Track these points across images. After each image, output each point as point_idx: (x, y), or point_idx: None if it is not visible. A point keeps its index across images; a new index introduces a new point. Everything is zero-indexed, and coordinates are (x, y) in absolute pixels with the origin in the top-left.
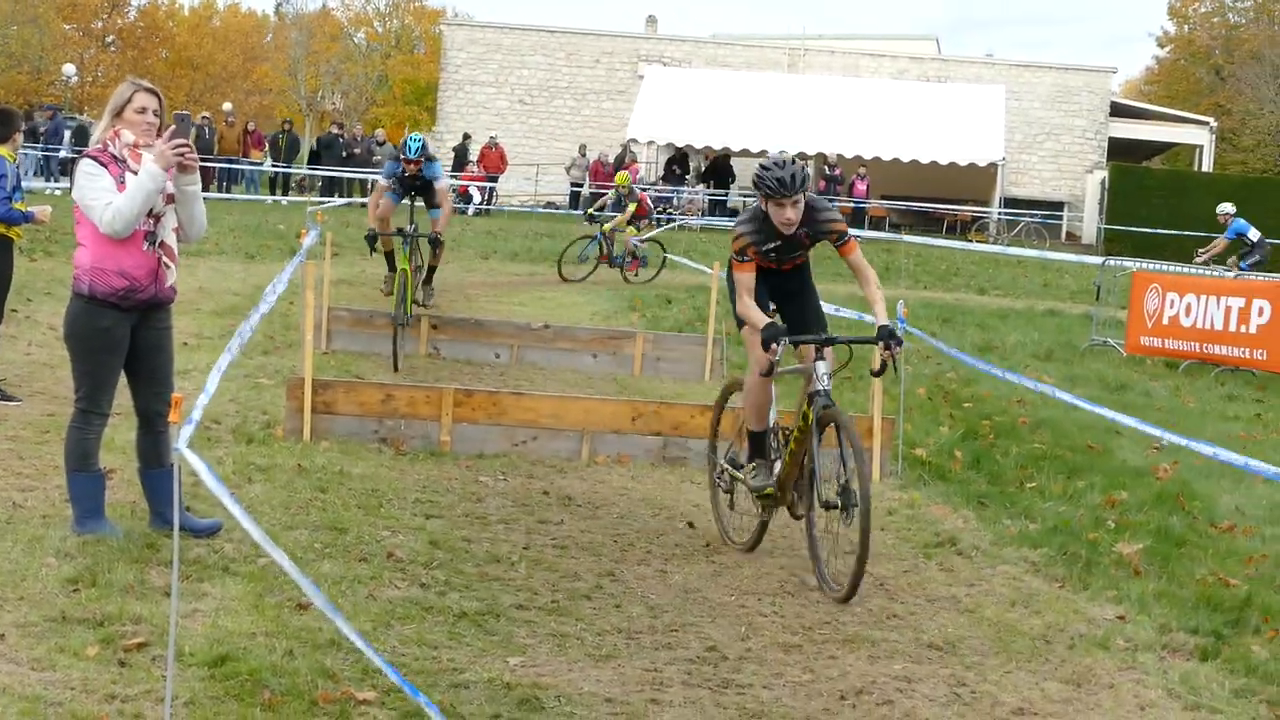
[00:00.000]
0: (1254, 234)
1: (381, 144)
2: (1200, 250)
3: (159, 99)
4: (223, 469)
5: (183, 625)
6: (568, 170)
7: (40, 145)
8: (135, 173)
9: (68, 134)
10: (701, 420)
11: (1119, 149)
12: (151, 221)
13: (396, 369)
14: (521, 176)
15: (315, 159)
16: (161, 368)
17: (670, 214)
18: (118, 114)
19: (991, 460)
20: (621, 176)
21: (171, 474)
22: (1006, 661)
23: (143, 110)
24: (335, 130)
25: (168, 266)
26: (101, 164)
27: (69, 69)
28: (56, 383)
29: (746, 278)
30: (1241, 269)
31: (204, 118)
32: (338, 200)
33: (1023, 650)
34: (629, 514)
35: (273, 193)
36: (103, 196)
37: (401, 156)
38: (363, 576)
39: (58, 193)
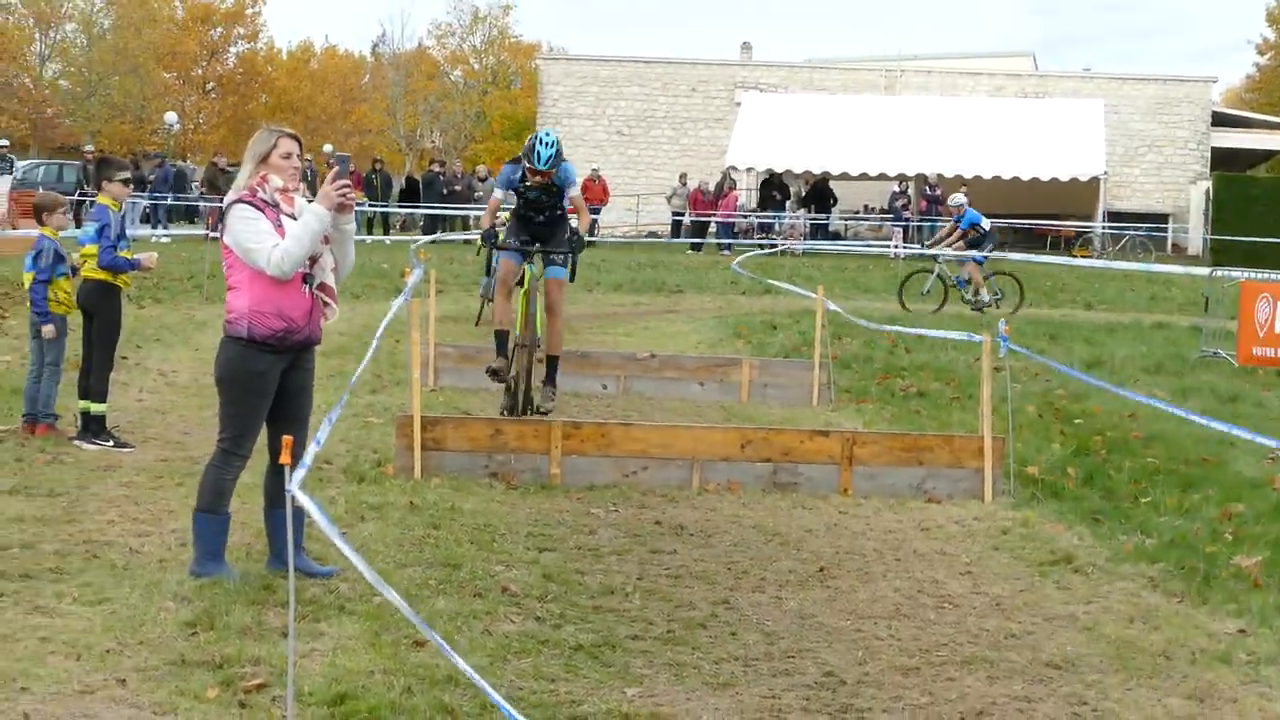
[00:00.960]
0: (986, 224)
1: (484, 179)
2: (930, 240)
3: (300, 144)
4: (335, 509)
5: (301, 665)
6: (669, 200)
7: (147, 194)
8: (291, 216)
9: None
10: (811, 445)
11: (1222, 158)
12: (308, 263)
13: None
14: (623, 208)
15: (407, 196)
16: (303, 408)
17: (773, 240)
18: (263, 160)
19: (1105, 476)
20: None
21: (296, 514)
22: (1127, 679)
23: (288, 155)
24: (435, 168)
25: (327, 305)
26: (257, 208)
27: (170, 117)
28: (168, 428)
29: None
30: (978, 260)
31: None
32: (452, 236)
33: (1143, 667)
34: (741, 541)
35: (371, 232)
36: (266, 239)
37: (527, 165)
38: (477, 612)
39: (164, 240)
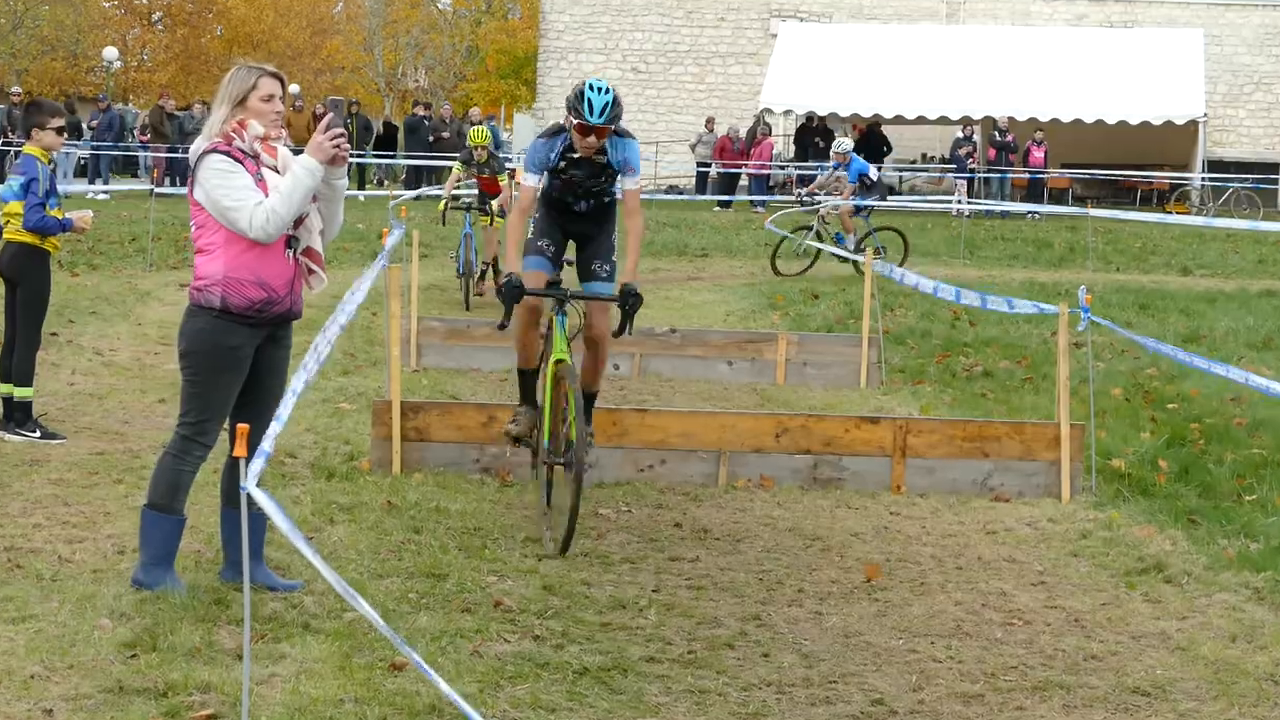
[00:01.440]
0: (874, 173)
1: (476, 124)
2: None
3: (283, 84)
4: (299, 510)
5: (258, 693)
6: (693, 148)
7: (87, 142)
8: (274, 169)
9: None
10: (858, 434)
11: None
12: (292, 224)
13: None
14: (639, 157)
15: (383, 145)
16: (276, 391)
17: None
18: (240, 102)
19: (1203, 470)
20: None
21: (255, 517)
22: (1228, 707)
23: (270, 98)
24: (420, 112)
25: (312, 273)
26: (235, 160)
27: (110, 53)
28: (105, 416)
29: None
30: (863, 215)
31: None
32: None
33: (1247, 693)
34: (775, 547)
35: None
36: (248, 196)
37: (575, 121)
38: (466, 630)
39: (102, 196)
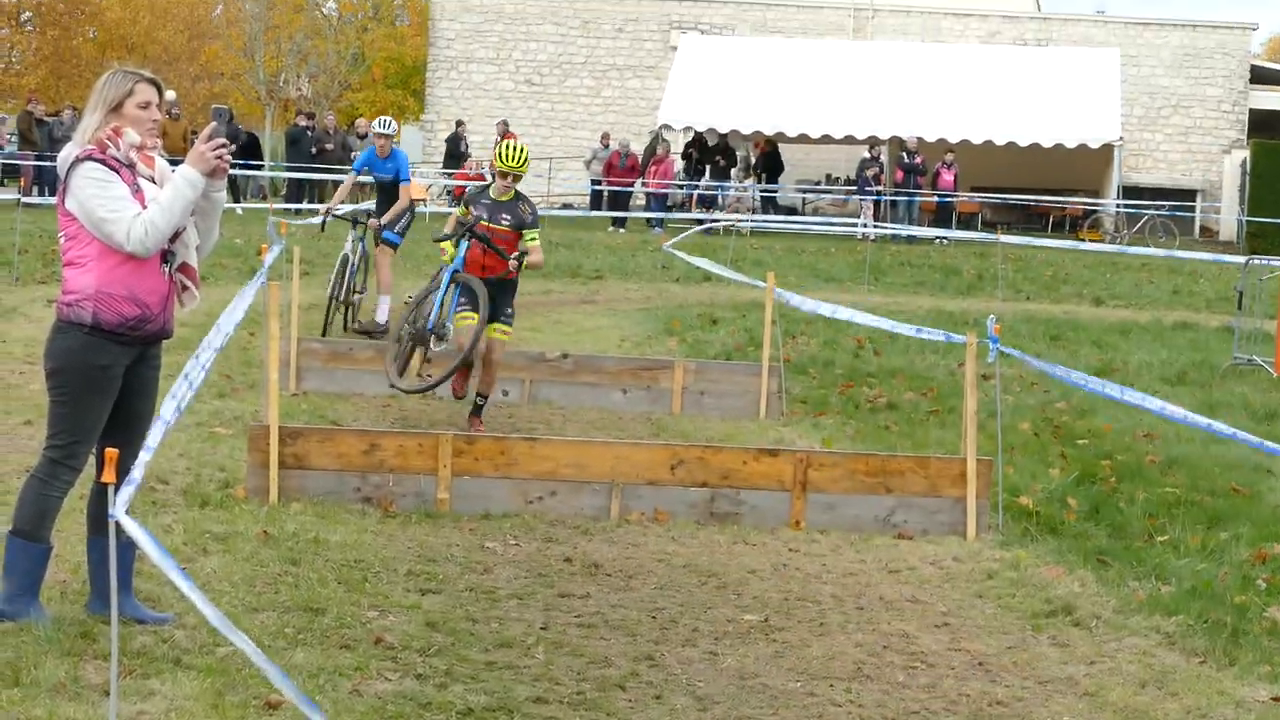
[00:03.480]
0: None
1: (363, 136)
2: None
3: (160, 91)
4: (170, 539)
5: None
6: (588, 165)
7: None
8: (150, 180)
9: None
10: (757, 467)
11: (1262, 123)
12: (170, 238)
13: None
14: (532, 174)
15: (248, 153)
16: (145, 414)
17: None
18: (114, 109)
19: (1114, 509)
20: None
21: (124, 546)
22: None
23: (146, 105)
24: (303, 122)
25: (186, 289)
26: (110, 169)
27: None
28: None
29: None
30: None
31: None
32: (321, 207)
33: None
34: (670, 584)
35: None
36: (125, 207)
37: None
38: (345, 667)
39: None
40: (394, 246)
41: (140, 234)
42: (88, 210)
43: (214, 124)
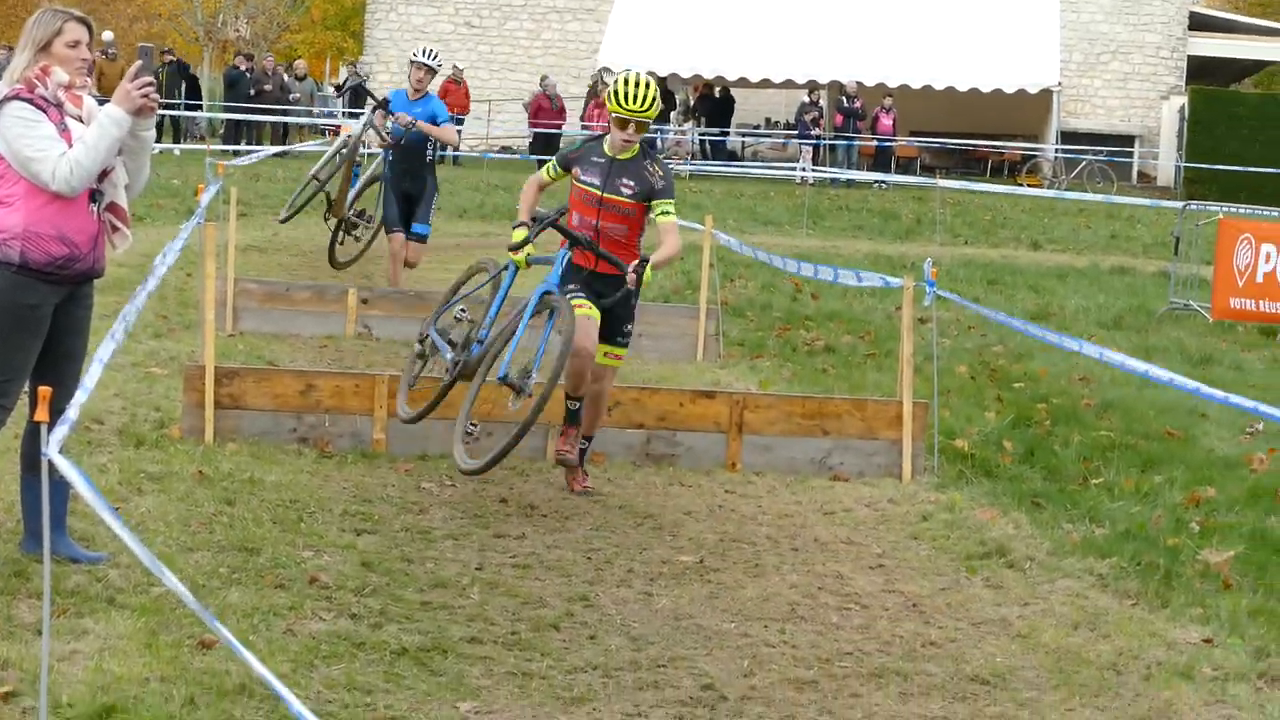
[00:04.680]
0: None
1: (301, 78)
2: None
3: (90, 30)
4: (106, 479)
5: (58, 670)
6: (526, 107)
7: None
8: (79, 119)
9: None
10: (693, 409)
11: (1201, 69)
12: (98, 178)
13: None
14: (470, 116)
15: (171, 92)
16: (77, 354)
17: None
18: (43, 48)
19: (1048, 452)
20: None
21: (57, 485)
22: (1069, 696)
23: (75, 44)
24: (241, 64)
25: (116, 229)
26: (38, 108)
27: None
28: None
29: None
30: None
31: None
32: (259, 149)
33: (1088, 682)
34: (605, 525)
35: (159, 139)
36: (51, 146)
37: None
38: (280, 607)
39: None
40: (424, 240)
41: (65, 173)
42: (14, 150)
43: (139, 62)
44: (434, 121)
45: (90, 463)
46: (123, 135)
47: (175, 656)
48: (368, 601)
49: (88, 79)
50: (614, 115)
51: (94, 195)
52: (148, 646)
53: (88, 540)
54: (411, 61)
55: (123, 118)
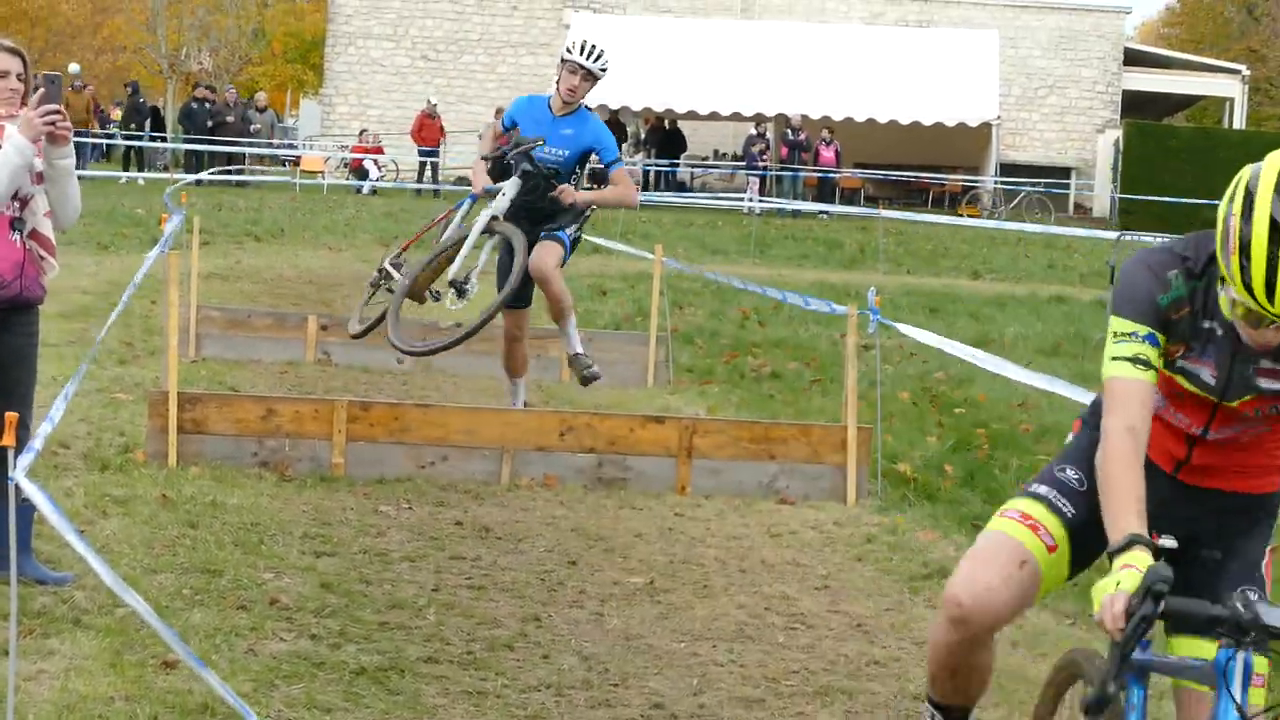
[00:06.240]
0: None
1: (262, 110)
2: None
3: (23, 60)
4: (71, 502)
5: (25, 690)
6: (481, 138)
7: None
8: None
9: None
10: (644, 434)
11: (1135, 104)
12: (17, 206)
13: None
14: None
15: (130, 124)
16: (22, 382)
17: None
18: None
19: (988, 475)
20: None
21: (23, 508)
22: (1009, 714)
23: (4, 74)
24: (201, 94)
25: (42, 259)
26: None
27: None
28: None
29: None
30: None
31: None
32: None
33: (1027, 700)
34: (558, 547)
35: (126, 168)
36: None
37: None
38: (241, 628)
39: None
40: (564, 247)
41: None
42: None
43: (41, 90)
44: (590, 153)
45: (56, 486)
46: (25, 162)
47: (139, 676)
48: (327, 622)
49: (15, 110)
50: (567, 65)
51: (14, 223)
52: (113, 666)
53: (54, 562)
54: (563, 60)
55: (25, 145)
